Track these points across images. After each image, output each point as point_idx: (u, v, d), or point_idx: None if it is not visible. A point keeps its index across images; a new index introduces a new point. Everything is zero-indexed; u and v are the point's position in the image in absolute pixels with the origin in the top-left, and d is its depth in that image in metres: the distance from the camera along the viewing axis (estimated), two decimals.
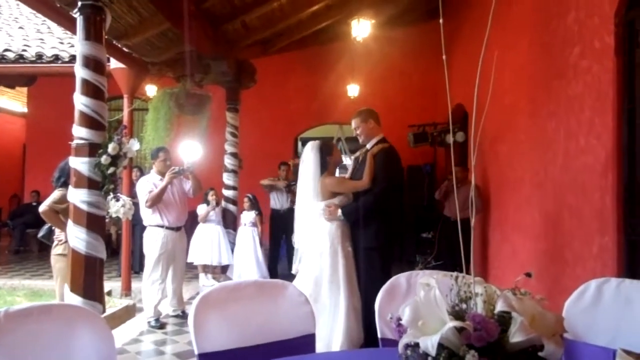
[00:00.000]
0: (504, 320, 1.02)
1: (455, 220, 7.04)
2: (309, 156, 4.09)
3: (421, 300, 1.11)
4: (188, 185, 5.27)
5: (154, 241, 5.01)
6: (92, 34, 3.87)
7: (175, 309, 5.30)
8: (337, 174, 4.37)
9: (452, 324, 1.02)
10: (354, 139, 4.50)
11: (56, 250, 4.41)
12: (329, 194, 3.98)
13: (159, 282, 5.00)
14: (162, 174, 5.08)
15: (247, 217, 7.20)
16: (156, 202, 4.94)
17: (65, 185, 4.19)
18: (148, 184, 5.04)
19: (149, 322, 4.99)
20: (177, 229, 5.12)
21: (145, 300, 5.06)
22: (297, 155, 10.54)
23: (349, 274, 3.89)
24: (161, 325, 4.96)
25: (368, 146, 4.07)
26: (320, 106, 10.19)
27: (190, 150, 5.20)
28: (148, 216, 5.05)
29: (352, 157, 4.47)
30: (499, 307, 1.03)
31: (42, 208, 4.31)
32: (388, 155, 3.93)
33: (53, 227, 4.45)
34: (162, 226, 5.01)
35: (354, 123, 4.13)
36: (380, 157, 3.91)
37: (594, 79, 3.04)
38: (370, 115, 4.08)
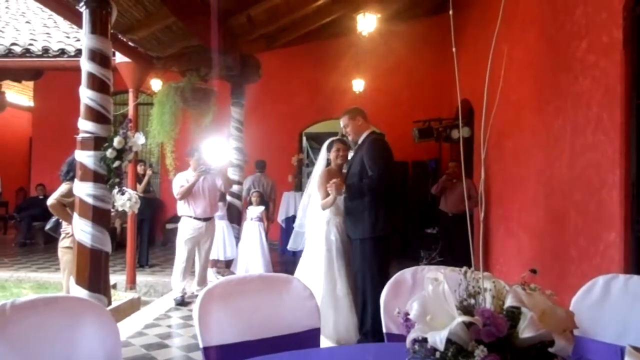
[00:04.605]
0: (513, 315, 1.01)
1: (451, 215, 7.11)
2: (321, 151, 4.46)
3: (429, 295, 1.10)
4: (220, 181, 5.87)
5: (182, 229, 5.63)
6: (98, 28, 3.87)
7: (198, 288, 5.75)
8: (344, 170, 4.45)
9: (460, 319, 1.01)
10: None
11: (63, 243, 4.42)
12: (319, 185, 4.17)
13: (185, 264, 5.58)
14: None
15: (254, 211, 7.14)
16: (185, 195, 5.57)
17: (73, 179, 4.20)
18: (181, 180, 5.65)
19: (175, 299, 5.56)
20: (205, 219, 5.68)
21: (173, 280, 5.67)
22: (301, 150, 10.53)
23: (329, 264, 4.02)
24: (184, 303, 5.55)
25: (359, 142, 4.19)
26: (325, 101, 10.14)
27: (218, 150, 5.94)
28: (180, 207, 5.67)
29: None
30: (509, 302, 1.02)
31: (50, 201, 4.32)
32: (377, 143, 4.05)
33: (60, 220, 4.47)
34: (190, 216, 5.62)
35: (342, 122, 4.27)
36: (369, 146, 4.01)
37: (601, 73, 3.01)
38: (358, 113, 4.21)
